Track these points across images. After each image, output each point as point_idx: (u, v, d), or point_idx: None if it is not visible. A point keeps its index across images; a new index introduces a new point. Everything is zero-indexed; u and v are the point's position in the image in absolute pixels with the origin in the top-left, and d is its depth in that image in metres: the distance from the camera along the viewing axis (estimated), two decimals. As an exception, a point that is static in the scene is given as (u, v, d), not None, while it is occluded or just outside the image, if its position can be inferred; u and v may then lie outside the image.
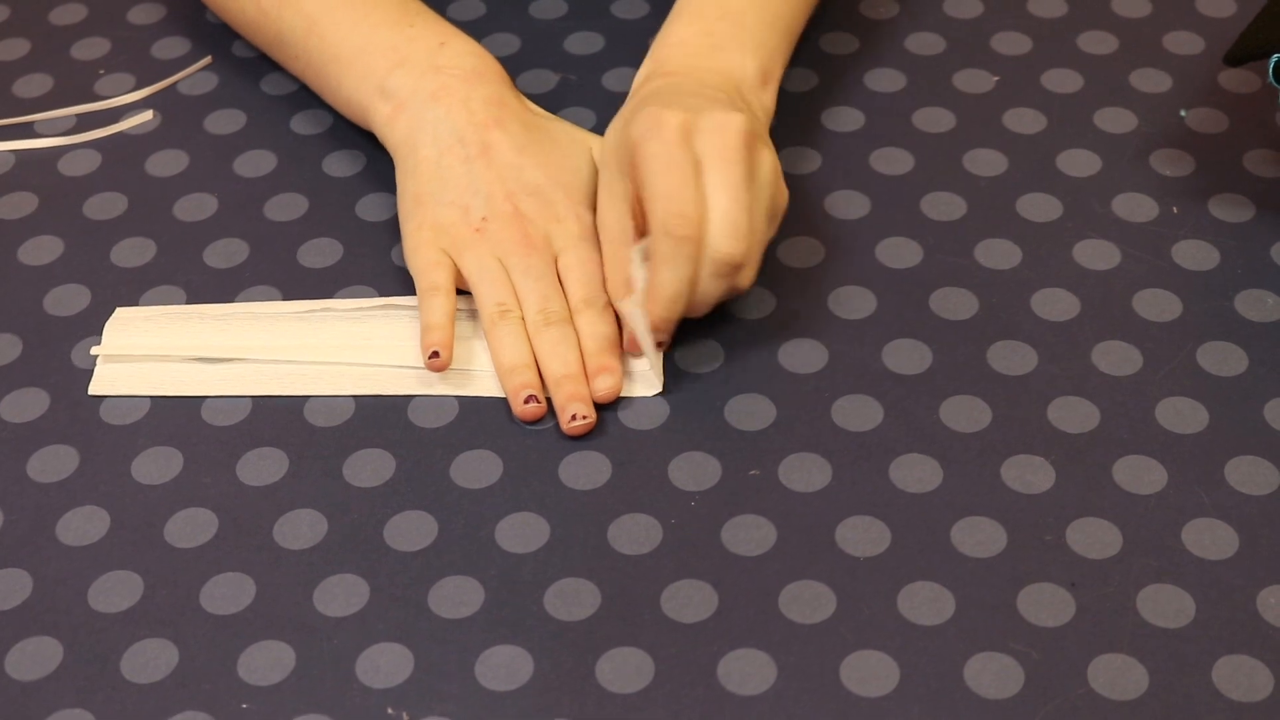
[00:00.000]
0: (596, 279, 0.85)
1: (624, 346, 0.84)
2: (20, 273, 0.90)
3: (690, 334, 0.85)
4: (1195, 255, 0.88)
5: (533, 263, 0.85)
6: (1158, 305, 0.86)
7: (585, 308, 0.85)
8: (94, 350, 0.85)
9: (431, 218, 0.86)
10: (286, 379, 0.84)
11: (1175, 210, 0.90)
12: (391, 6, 0.92)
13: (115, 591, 0.76)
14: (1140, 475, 0.79)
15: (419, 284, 0.85)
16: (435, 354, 0.82)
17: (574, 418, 0.81)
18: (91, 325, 0.87)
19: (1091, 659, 0.72)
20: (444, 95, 0.88)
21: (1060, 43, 1.00)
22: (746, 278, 0.82)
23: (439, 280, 0.85)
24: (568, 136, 0.90)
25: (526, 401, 0.82)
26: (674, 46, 0.89)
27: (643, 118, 0.82)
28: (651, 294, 0.81)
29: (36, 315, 0.88)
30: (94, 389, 0.84)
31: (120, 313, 0.87)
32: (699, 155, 0.80)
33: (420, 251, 0.86)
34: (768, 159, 0.82)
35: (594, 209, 0.87)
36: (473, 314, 0.86)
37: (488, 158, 0.87)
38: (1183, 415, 0.81)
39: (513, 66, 1.00)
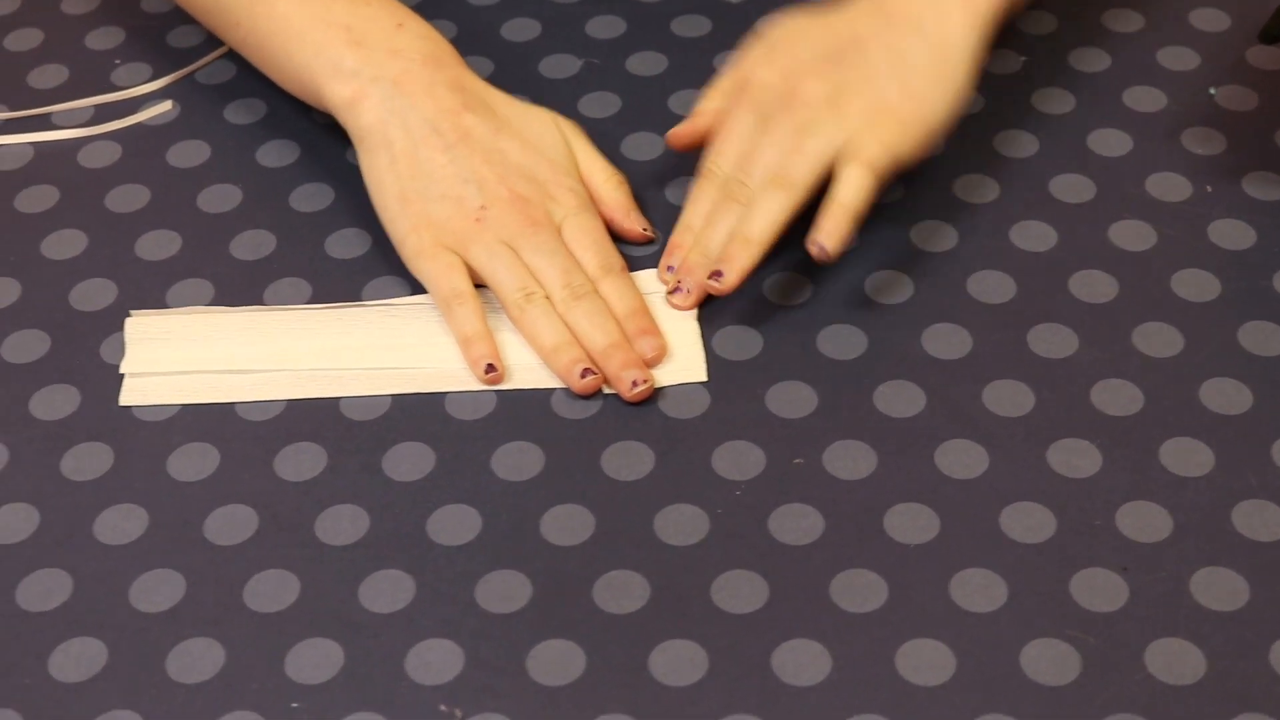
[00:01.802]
0: (605, 244, 0.86)
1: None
2: (45, 267, 0.89)
3: (728, 321, 0.84)
4: (1231, 234, 0.88)
5: (542, 240, 0.84)
6: (1197, 285, 0.85)
7: (605, 275, 0.85)
8: (122, 368, 0.83)
9: (425, 216, 0.85)
10: (322, 383, 0.83)
11: (1209, 189, 0.90)
12: None
13: (157, 590, 0.75)
14: (1187, 457, 0.78)
15: (437, 293, 0.84)
16: (491, 367, 0.82)
17: (634, 384, 0.81)
18: (119, 320, 0.86)
19: (1148, 644, 0.72)
20: (408, 82, 0.86)
21: (1086, 20, 1.00)
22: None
23: (459, 286, 0.84)
24: (531, 114, 0.90)
25: (583, 376, 0.81)
26: None
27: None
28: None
29: (63, 310, 0.87)
30: (124, 399, 0.82)
31: (134, 324, 0.85)
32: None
33: (426, 256, 0.85)
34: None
35: (578, 179, 0.88)
36: (491, 305, 0.85)
37: (468, 144, 0.86)
38: (1227, 396, 0.81)
39: (534, 52, 0.99)
